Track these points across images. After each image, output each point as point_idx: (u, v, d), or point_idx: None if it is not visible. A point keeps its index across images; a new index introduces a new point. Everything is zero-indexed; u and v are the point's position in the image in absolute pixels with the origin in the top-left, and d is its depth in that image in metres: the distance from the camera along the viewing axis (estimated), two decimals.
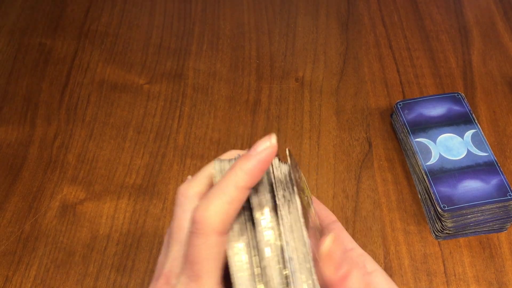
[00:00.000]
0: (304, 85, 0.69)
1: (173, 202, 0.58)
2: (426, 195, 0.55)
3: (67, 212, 0.57)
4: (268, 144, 0.26)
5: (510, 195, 0.52)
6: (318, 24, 0.76)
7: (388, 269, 0.53)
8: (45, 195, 0.58)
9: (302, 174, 0.32)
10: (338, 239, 0.25)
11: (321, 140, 0.63)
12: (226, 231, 0.25)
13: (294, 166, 0.29)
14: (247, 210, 0.27)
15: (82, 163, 0.61)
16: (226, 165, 0.28)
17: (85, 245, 0.54)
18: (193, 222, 0.25)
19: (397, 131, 0.62)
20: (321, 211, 0.34)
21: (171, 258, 0.27)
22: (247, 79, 0.69)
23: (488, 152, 0.56)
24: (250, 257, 0.26)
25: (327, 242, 0.25)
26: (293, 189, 0.26)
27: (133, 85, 0.69)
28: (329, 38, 0.74)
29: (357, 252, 0.31)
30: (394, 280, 0.52)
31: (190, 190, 0.28)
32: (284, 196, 0.26)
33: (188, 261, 0.25)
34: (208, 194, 0.25)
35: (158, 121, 0.65)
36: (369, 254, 0.32)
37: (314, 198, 0.35)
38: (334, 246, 0.25)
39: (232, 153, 0.31)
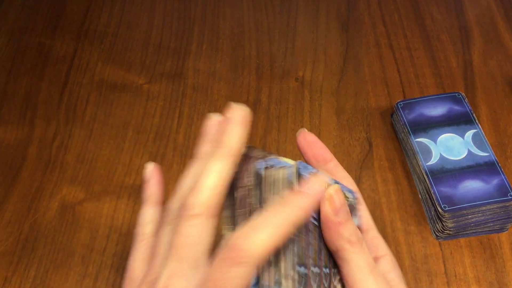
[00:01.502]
0: (304, 85, 0.68)
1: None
2: (427, 195, 0.55)
3: (66, 212, 0.57)
4: (321, 182, 0.27)
5: (511, 195, 0.52)
6: (318, 24, 0.76)
7: None
8: (44, 196, 0.58)
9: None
10: (340, 193, 0.27)
11: (321, 140, 0.63)
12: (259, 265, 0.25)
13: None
14: None
15: (82, 163, 0.61)
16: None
17: (84, 245, 0.54)
18: (234, 248, 0.24)
19: (397, 131, 0.62)
20: (317, 150, 0.35)
21: (170, 273, 0.25)
22: (247, 79, 0.69)
23: (489, 152, 0.56)
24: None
25: (331, 189, 0.26)
26: None
27: (133, 85, 0.69)
28: (329, 38, 0.74)
29: (371, 234, 0.32)
30: None
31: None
32: None
33: (213, 285, 0.24)
34: (255, 222, 0.24)
35: (158, 121, 0.65)
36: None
37: (337, 169, 0.35)
38: (336, 195, 0.27)
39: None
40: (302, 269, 0.25)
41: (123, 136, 0.63)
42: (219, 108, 0.66)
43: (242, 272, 0.23)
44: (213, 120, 0.32)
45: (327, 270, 0.27)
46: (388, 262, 0.31)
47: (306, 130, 0.35)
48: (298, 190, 0.26)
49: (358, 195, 0.33)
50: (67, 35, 0.75)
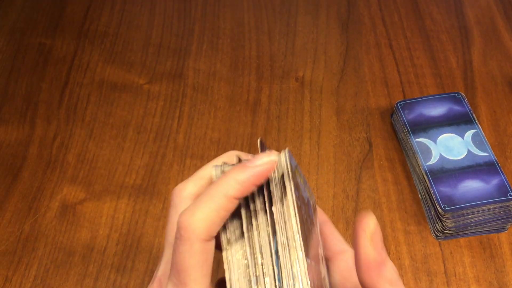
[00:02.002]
0: (304, 85, 0.68)
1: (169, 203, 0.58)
2: (427, 195, 0.55)
3: (66, 212, 0.57)
4: (266, 159, 0.25)
5: (510, 195, 0.52)
6: (318, 24, 0.76)
7: None
8: (44, 195, 0.58)
9: (301, 173, 0.31)
10: (378, 227, 0.24)
11: (321, 140, 0.63)
12: (211, 238, 0.25)
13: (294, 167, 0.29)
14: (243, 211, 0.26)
15: (82, 163, 0.61)
16: (226, 170, 0.28)
17: (84, 245, 0.54)
18: (178, 227, 0.24)
19: (397, 131, 0.62)
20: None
21: (164, 261, 0.26)
22: (247, 79, 0.69)
23: (489, 152, 0.56)
24: (246, 263, 0.25)
25: (372, 223, 0.24)
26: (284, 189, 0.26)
27: (133, 85, 0.69)
28: (329, 38, 0.74)
29: (349, 254, 0.30)
30: None
31: (184, 191, 0.28)
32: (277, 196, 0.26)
33: (173, 268, 0.25)
34: (196, 199, 0.25)
35: (158, 121, 0.65)
36: None
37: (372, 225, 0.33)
38: (378, 229, 0.24)
39: (231, 154, 0.30)
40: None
41: (123, 136, 0.64)
42: (219, 108, 0.66)
43: (190, 249, 0.24)
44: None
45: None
46: (350, 258, 0.30)
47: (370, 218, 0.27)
48: (242, 164, 0.25)
49: (326, 217, 0.32)
50: (68, 35, 0.75)
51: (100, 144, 0.63)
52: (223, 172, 0.28)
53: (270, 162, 0.25)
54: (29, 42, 0.74)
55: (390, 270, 0.24)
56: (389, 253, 0.54)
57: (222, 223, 0.25)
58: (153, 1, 0.79)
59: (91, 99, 0.67)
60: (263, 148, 0.28)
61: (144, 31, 0.75)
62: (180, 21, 0.77)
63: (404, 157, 0.61)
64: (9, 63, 0.71)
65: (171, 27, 0.76)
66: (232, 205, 0.25)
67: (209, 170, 0.29)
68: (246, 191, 0.25)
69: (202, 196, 0.25)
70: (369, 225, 0.23)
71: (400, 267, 0.53)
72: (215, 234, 0.25)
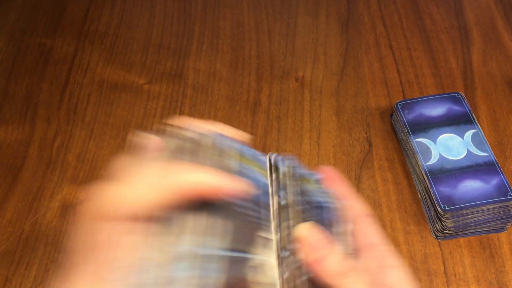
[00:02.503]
0: (304, 85, 0.69)
1: None
2: (426, 195, 0.55)
3: (67, 212, 0.57)
4: (228, 189, 0.24)
5: (510, 195, 0.52)
6: (318, 24, 0.76)
7: None
8: (45, 195, 0.58)
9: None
10: (314, 229, 0.26)
11: (321, 140, 0.63)
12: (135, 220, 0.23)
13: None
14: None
15: (82, 163, 0.61)
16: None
17: None
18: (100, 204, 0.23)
19: (397, 131, 0.62)
20: (355, 204, 0.34)
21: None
22: (247, 79, 0.69)
23: (488, 152, 0.56)
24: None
25: (300, 228, 0.26)
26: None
27: (133, 85, 0.69)
28: (329, 38, 0.74)
29: (381, 248, 0.32)
30: None
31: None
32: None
33: (81, 247, 0.24)
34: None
35: (158, 121, 0.65)
36: (409, 273, 0.32)
37: (347, 189, 0.34)
38: (309, 233, 0.26)
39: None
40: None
41: (123, 136, 0.64)
42: (219, 108, 0.66)
43: (111, 227, 0.23)
44: None
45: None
46: (396, 274, 0.30)
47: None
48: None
49: (369, 211, 0.33)
50: (68, 35, 0.75)
51: (100, 144, 0.63)
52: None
53: (230, 190, 0.24)
54: (29, 42, 0.74)
55: (331, 263, 0.26)
56: None
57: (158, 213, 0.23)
58: (153, 1, 0.79)
59: (91, 99, 0.67)
60: (269, 166, 0.28)
61: (144, 31, 0.75)
62: (180, 21, 0.77)
63: (404, 157, 0.61)
64: (9, 63, 0.71)
65: (171, 27, 0.76)
66: (174, 201, 0.23)
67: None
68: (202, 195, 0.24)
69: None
70: (298, 232, 0.26)
71: None
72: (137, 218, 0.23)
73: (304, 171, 0.30)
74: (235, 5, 0.79)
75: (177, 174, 0.23)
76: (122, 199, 0.23)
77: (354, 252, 0.30)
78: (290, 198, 0.27)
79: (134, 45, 0.73)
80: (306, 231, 0.26)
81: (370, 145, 0.62)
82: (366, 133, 0.63)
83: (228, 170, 0.25)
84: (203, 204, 0.24)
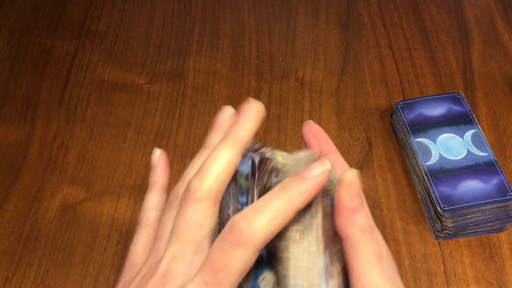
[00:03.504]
0: (304, 85, 0.69)
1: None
2: (426, 195, 0.55)
3: (67, 212, 0.57)
4: (322, 169, 0.26)
5: (510, 195, 0.52)
6: (318, 24, 0.76)
7: None
8: (45, 195, 0.58)
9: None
10: (357, 179, 0.26)
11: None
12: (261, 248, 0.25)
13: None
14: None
15: (82, 163, 0.61)
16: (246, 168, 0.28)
17: (85, 245, 0.54)
18: (234, 231, 0.24)
19: (397, 131, 0.62)
20: (321, 140, 0.34)
21: (173, 256, 0.26)
22: (247, 79, 0.69)
23: (488, 152, 0.56)
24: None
25: (350, 174, 0.26)
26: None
27: (133, 85, 0.69)
28: (329, 38, 0.74)
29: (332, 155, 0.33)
30: None
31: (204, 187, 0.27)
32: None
33: (212, 266, 0.24)
34: (256, 206, 0.25)
35: (158, 121, 0.65)
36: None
37: (315, 127, 0.35)
38: (355, 180, 0.26)
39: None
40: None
41: (123, 136, 0.64)
42: (219, 108, 0.66)
43: (242, 255, 0.24)
44: (227, 112, 0.33)
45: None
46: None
47: (312, 122, 0.35)
48: (300, 175, 0.26)
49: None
50: (68, 35, 0.75)
51: (100, 144, 0.63)
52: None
53: (326, 171, 0.26)
54: (29, 42, 0.74)
55: (361, 218, 0.26)
56: None
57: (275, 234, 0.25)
58: (153, 1, 0.79)
59: (91, 99, 0.67)
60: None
61: (144, 31, 0.75)
62: (180, 21, 0.77)
63: (403, 157, 0.61)
64: (9, 63, 0.71)
65: (171, 27, 0.76)
66: (291, 217, 0.25)
67: (228, 159, 0.28)
68: (306, 202, 0.25)
69: (262, 204, 0.25)
70: (346, 176, 0.26)
71: (400, 267, 0.53)
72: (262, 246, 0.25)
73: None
74: (235, 5, 0.79)
75: (283, 195, 0.25)
76: (251, 229, 0.25)
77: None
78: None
79: (134, 45, 0.73)
80: (353, 177, 0.26)
81: (370, 145, 0.62)
82: (366, 133, 0.63)
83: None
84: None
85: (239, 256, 0.24)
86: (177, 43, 0.74)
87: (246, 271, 0.24)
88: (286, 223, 0.25)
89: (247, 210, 0.25)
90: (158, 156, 0.32)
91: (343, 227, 0.26)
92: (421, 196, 0.57)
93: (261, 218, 0.24)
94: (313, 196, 0.26)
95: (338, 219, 0.26)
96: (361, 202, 0.26)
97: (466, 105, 0.60)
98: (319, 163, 0.26)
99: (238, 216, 0.24)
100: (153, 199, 0.32)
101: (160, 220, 0.29)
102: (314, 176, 0.25)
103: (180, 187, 0.29)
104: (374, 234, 0.27)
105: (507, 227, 0.55)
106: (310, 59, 0.72)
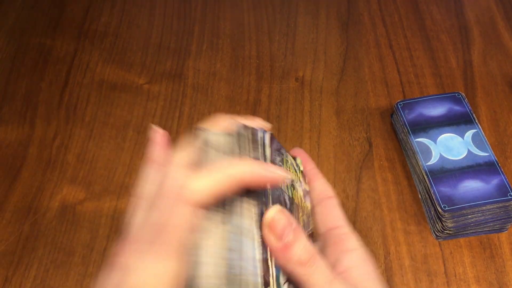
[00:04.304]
0: (304, 85, 0.68)
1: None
2: (427, 195, 0.55)
3: (66, 212, 0.57)
4: (283, 174, 0.27)
5: (510, 195, 0.52)
6: (318, 24, 0.76)
7: (388, 269, 0.53)
8: (44, 195, 0.58)
9: (288, 157, 0.32)
10: (283, 213, 0.26)
11: (321, 140, 0.63)
12: (202, 208, 0.25)
13: (278, 149, 0.30)
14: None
15: (82, 163, 0.61)
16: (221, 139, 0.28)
17: (84, 245, 0.54)
18: (176, 186, 0.25)
19: (397, 131, 0.62)
20: (318, 187, 0.34)
21: (138, 222, 0.27)
22: (247, 79, 0.69)
23: (489, 152, 0.56)
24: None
25: (270, 213, 0.26)
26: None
27: (133, 85, 0.69)
28: (329, 38, 0.74)
29: (342, 230, 0.31)
30: (394, 280, 0.52)
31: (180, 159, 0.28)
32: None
33: (154, 228, 0.25)
34: (202, 168, 0.26)
35: (158, 121, 0.65)
36: (369, 254, 0.32)
37: (314, 172, 0.35)
38: (277, 217, 0.26)
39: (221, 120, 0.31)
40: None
41: (123, 136, 0.63)
42: (219, 108, 0.66)
43: (183, 209, 0.24)
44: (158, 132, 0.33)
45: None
46: (355, 257, 0.30)
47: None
48: (261, 162, 0.27)
49: (332, 193, 0.33)
50: (68, 35, 0.75)
51: (100, 144, 0.63)
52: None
53: (283, 177, 0.26)
54: (29, 42, 0.74)
55: (296, 252, 0.25)
56: (389, 253, 0.54)
57: (216, 200, 0.25)
58: (153, 1, 0.79)
59: (91, 99, 0.67)
60: (273, 142, 0.29)
61: (144, 31, 0.75)
62: (180, 21, 0.77)
63: (404, 157, 0.61)
64: (9, 63, 0.71)
65: (171, 27, 0.76)
66: (232, 189, 0.25)
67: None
68: (251, 183, 0.26)
69: (211, 167, 0.26)
70: (266, 216, 0.26)
71: (400, 267, 0.53)
72: (206, 206, 0.25)
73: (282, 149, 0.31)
74: (235, 5, 0.79)
75: (231, 166, 0.25)
76: (195, 186, 0.25)
77: (315, 233, 0.31)
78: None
79: (134, 45, 0.73)
80: (275, 214, 0.26)
81: (370, 145, 0.62)
82: (366, 133, 0.63)
83: (265, 159, 0.28)
84: (250, 192, 0.26)
85: (179, 211, 0.24)
86: (177, 43, 0.74)
87: (191, 233, 0.25)
88: (228, 191, 0.25)
89: (192, 170, 0.26)
90: (159, 133, 0.32)
91: (283, 266, 0.26)
92: (421, 196, 0.57)
93: (206, 177, 0.25)
94: (258, 184, 0.26)
95: (276, 259, 0.26)
96: (293, 235, 0.26)
97: (467, 105, 0.60)
98: (284, 170, 0.27)
99: (184, 173, 0.25)
100: (150, 174, 0.32)
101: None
102: (274, 172, 0.26)
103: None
104: (316, 261, 0.26)
105: (507, 227, 0.55)
106: (310, 59, 0.72)
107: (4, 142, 0.63)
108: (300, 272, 0.25)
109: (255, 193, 0.26)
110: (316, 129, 0.64)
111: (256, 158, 0.28)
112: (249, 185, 0.26)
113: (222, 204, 0.26)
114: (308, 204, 0.32)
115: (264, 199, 0.26)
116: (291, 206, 0.28)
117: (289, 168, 0.31)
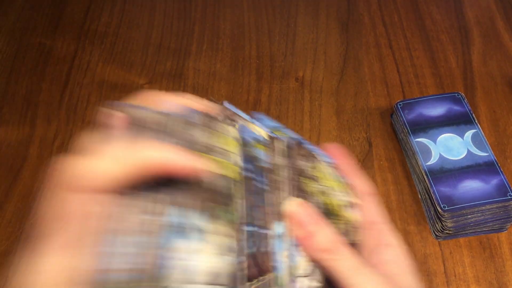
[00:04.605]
0: (304, 85, 0.69)
1: None
2: (426, 195, 0.55)
3: None
4: (200, 166, 0.24)
5: (510, 195, 0.52)
6: (318, 24, 0.76)
7: None
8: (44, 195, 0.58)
9: (325, 167, 0.31)
10: (304, 205, 0.26)
11: (321, 140, 0.63)
12: (106, 192, 0.23)
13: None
14: None
15: None
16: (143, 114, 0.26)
17: None
18: (69, 175, 0.23)
19: (397, 131, 0.62)
20: (358, 183, 0.34)
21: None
22: (247, 79, 0.69)
23: (488, 152, 0.56)
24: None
25: (288, 207, 0.26)
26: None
27: (133, 85, 0.69)
28: (329, 38, 0.74)
29: (381, 226, 0.32)
30: None
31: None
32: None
33: (44, 220, 0.23)
34: (110, 150, 0.23)
35: None
36: (407, 253, 0.32)
37: (352, 167, 0.35)
38: (298, 209, 0.26)
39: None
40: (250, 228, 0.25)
41: None
42: None
43: (74, 198, 0.23)
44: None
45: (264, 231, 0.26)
46: (392, 252, 0.30)
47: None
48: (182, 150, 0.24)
49: (373, 190, 0.33)
50: (68, 35, 0.75)
51: None
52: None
53: (195, 171, 0.24)
54: (29, 42, 0.74)
55: (319, 240, 0.26)
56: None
57: (131, 185, 0.23)
58: (153, 1, 0.79)
59: (91, 99, 0.67)
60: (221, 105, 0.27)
61: (144, 31, 0.75)
62: (180, 21, 0.77)
63: (404, 157, 0.61)
64: (9, 63, 0.71)
65: (171, 27, 0.76)
66: (141, 175, 0.23)
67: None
68: (164, 170, 0.23)
69: (112, 149, 0.23)
70: (286, 209, 0.26)
71: None
72: (113, 191, 0.23)
73: (312, 148, 0.30)
74: (235, 5, 0.79)
75: (143, 150, 0.23)
76: (89, 171, 0.23)
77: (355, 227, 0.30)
78: (287, 173, 0.28)
79: (134, 45, 0.73)
80: (295, 207, 0.26)
81: (370, 145, 0.62)
82: (366, 133, 0.63)
83: (195, 145, 0.25)
84: (168, 181, 0.24)
85: (73, 199, 0.23)
86: (177, 43, 0.74)
87: (88, 220, 0.23)
88: (137, 178, 0.23)
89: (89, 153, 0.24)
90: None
91: (308, 254, 0.26)
92: (421, 196, 0.57)
93: (103, 163, 0.22)
94: (176, 172, 0.23)
95: (302, 248, 0.26)
96: (315, 224, 0.26)
97: (466, 105, 0.60)
98: (203, 163, 0.24)
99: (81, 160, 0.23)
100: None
101: None
102: (192, 166, 0.23)
103: None
104: (341, 248, 0.26)
105: (507, 227, 0.55)
106: (310, 59, 0.72)
107: (4, 142, 0.63)
108: (327, 259, 0.26)
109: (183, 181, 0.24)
110: (316, 129, 0.64)
111: (186, 142, 0.25)
112: (162, 172, 0.23)
113: (146, 189, 0.23)
114: (351, 215, 0.31)
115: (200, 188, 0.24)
116: (262, 195, 0.26)
117: (320, 177, 0.30)
